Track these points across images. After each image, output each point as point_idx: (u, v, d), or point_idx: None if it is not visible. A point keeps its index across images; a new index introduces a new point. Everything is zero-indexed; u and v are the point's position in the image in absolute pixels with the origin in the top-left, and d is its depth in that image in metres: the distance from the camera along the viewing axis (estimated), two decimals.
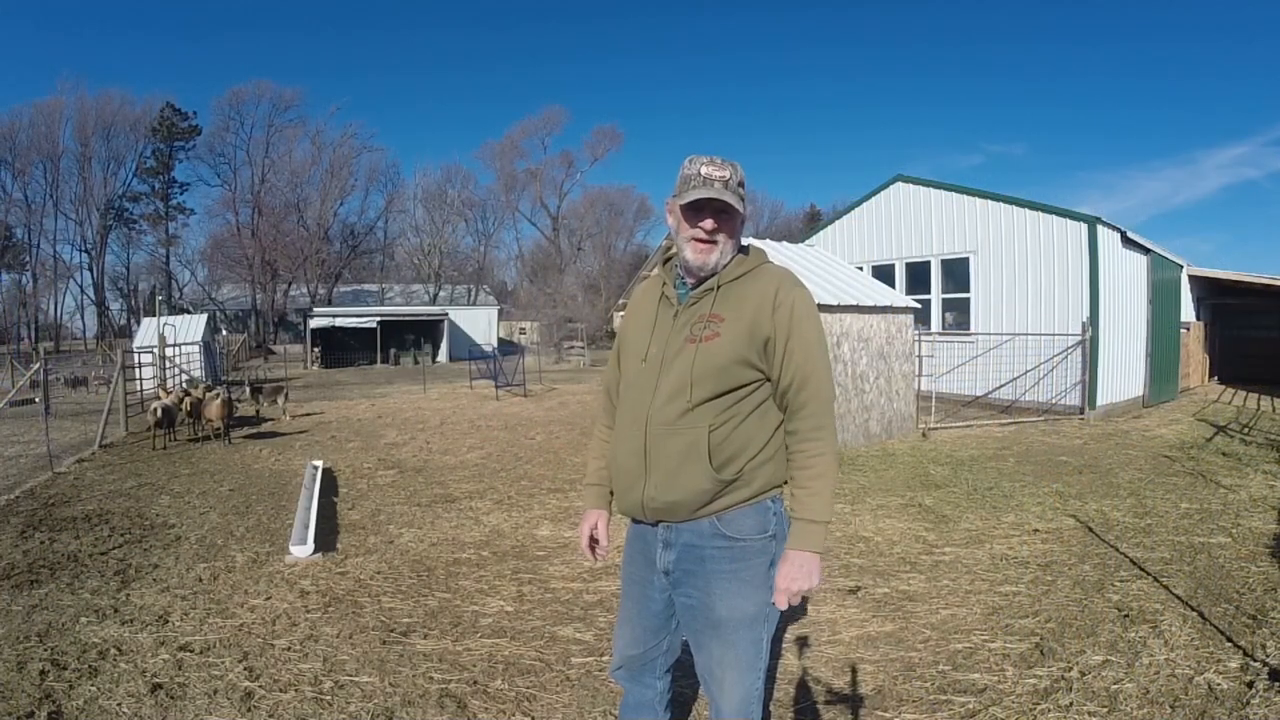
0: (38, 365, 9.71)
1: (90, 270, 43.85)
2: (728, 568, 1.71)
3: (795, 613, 3.61)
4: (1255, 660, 3.04)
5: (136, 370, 12.17)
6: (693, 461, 1.67)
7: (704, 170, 1.71)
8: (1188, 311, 14.97)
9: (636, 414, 1.75)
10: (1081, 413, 10.77)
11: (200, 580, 4.10)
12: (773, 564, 1.74)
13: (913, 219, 13.58)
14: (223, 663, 3.07)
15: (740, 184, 1.74)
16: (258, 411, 12.08)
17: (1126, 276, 11.82)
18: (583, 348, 30.41)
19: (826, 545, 1.67)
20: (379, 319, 29.89)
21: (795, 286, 1.74)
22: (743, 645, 1.72)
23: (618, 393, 1.94)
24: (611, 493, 1.99)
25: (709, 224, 1.71)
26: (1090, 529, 5.03)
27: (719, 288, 1.74)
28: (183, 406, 9.47)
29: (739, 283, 1.75)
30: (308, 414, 12.31)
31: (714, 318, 1.72)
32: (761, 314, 1.69)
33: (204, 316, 21.81)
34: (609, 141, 52.44)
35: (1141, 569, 4.18)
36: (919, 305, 9.96)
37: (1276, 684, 2.82)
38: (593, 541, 1.98)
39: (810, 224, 42.01)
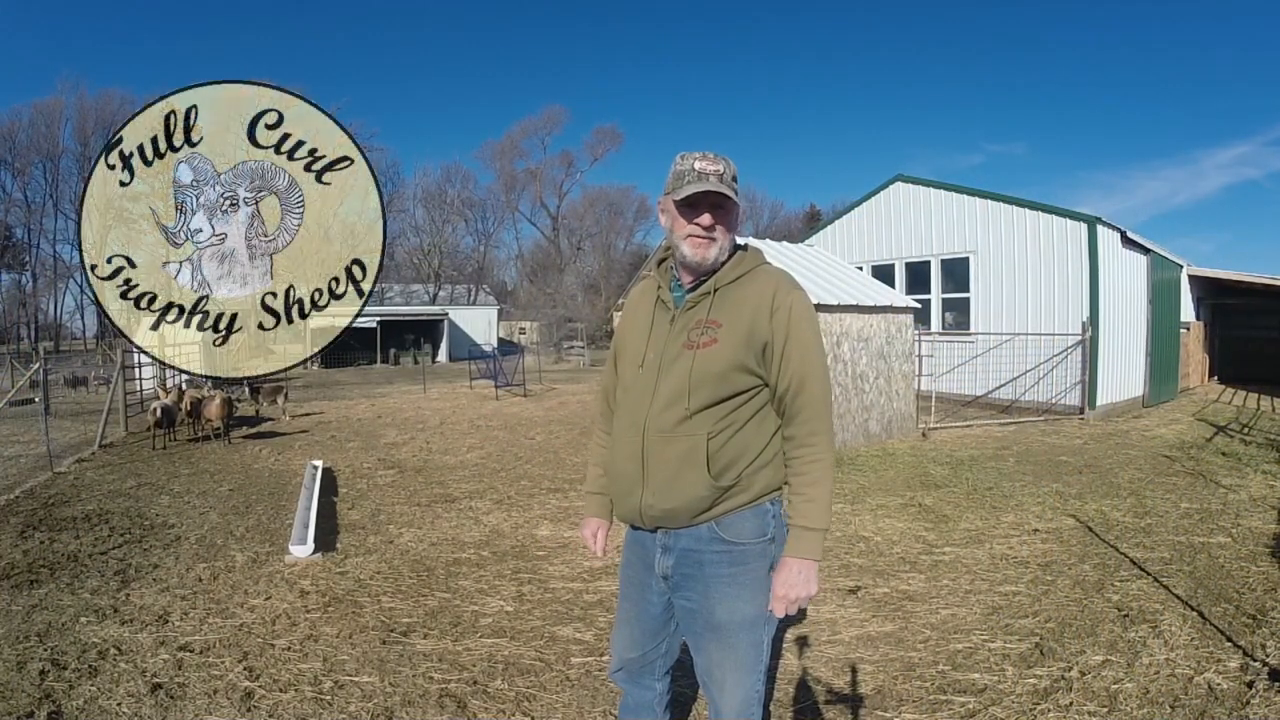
0: (37, 365, 9.71)
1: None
2: (726, 572, 1.70)
3: (795, 613, 3.61)
4: (1255, 660, 3.03)
5: (136, 370, 12.17)
6: (691, 469, 1.66)
7: (698, 165, 1.69)
8: (1188, 311, 14.96)
9: (634, 420, 1.74)
10: (1081, 413, 10.77)
11: (200, 580, 4.09)
12: (772, 567, 1.73)
13: (913, 219, 13.58)
14: (223, 663, 3.07)
15: (734, 178, 1.72)
16: (257, 411, 12.08)
17: (1126, 276, 11.82)
18: (583, 347, 30.42)
19: (823, 552, 1.67)
20: (379, 319, 29.86)
21: (793, 289, 1.71)
22: (743, 648, 1.72)
23: (615, 397, 1.92)
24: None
25: (706, 219, 1.69)
26: (1090, 529, 5.03)
27: (715, 291, 1.72)
28: (183, 406, 9.47)
29: (736, 285, 1.72)
30: (307, 414, 12.31)
31: (712, 323, 1.69)
32: (759, 318, 1.67)
33: None
34: (609, 141, 52.58)
35: (1141, 569, 4.18)
36: (919, 305, 9.96)
37: (1276, 684, 2.82)
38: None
39: (810, 224, 42.00)
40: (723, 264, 1.75)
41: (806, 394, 1.67)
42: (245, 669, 3.02)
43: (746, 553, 1.71)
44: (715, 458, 1.66)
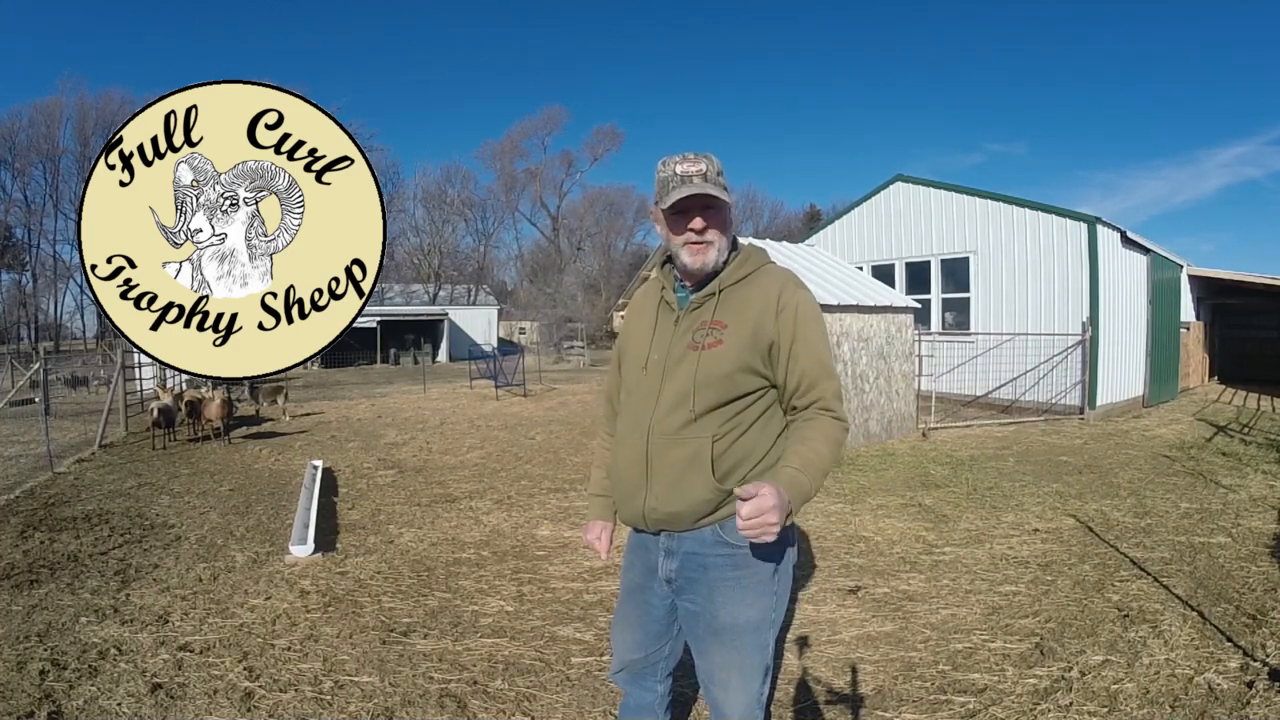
0: (37, 365, 9.71)
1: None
2: (731, 575, 1.69)
3: (795, 613, 3.61)
4: (1255, 660, 3.04)
5: (136, 370, 12.17)
6: (695, 472, 1.64)
7: (679, 169, 1.66)
8: (1188, 311, 14.97)
9: (638, 423, 1.72)
10: (1081, 412, 10.76)
11: (200, 580, 4.09)
12: (776, 570, 1.72)
13: (913, 219, 13.58)
14: (223, 663, 3.07)
15: (719, 174, 1.68)
16: (257, 411, 12.08)
17: (1126, 276, 11.82)
18: (583, 347, 30.43)
19: (798, 502, 1.44)
20: (379, 319, 29.85)
21: (798, 289, 1.69)
22: (747, 651, 1.70)
23: (619, 399, 1.91)
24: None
25: (698, 223, 1.66)
26: (1090, 529, 5.03)
27: (720, 292, 1.70)
28: (182, 407, 9.47)
29: (740, 286, 1.71)
30: (307, 414, 12.31)
31: (716, 324, 1.67)
32: (765, 318, 1.65)
33: None
34: (609, 141, 52.70)
35: (1141, 569, 4.18)
36: (919, 305, 9.96)
37: (1276, 684, 2.82)
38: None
39: (810, 224, 41.97)
40: (724, 265, 1.73)
41: (819, 389, 1.65)
42: (245, 669, 3.02)
43: (750, 555, 1.69)
44: (720, 460, 1.65)
